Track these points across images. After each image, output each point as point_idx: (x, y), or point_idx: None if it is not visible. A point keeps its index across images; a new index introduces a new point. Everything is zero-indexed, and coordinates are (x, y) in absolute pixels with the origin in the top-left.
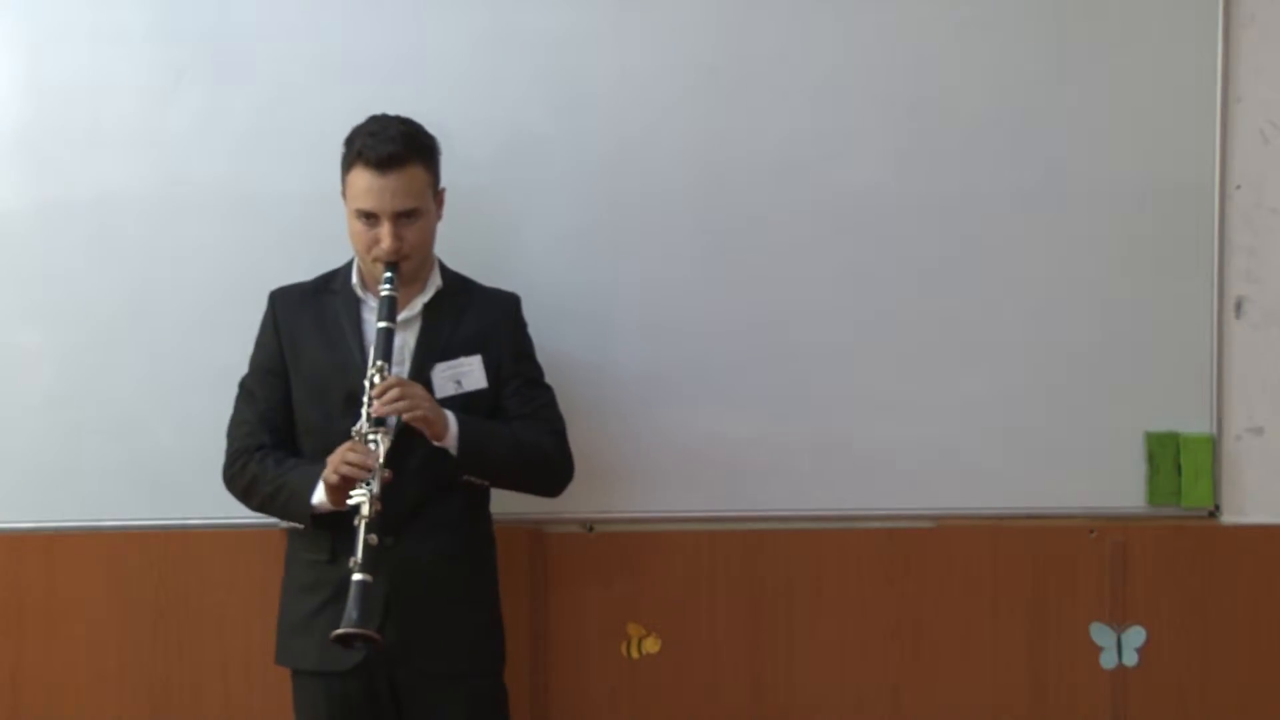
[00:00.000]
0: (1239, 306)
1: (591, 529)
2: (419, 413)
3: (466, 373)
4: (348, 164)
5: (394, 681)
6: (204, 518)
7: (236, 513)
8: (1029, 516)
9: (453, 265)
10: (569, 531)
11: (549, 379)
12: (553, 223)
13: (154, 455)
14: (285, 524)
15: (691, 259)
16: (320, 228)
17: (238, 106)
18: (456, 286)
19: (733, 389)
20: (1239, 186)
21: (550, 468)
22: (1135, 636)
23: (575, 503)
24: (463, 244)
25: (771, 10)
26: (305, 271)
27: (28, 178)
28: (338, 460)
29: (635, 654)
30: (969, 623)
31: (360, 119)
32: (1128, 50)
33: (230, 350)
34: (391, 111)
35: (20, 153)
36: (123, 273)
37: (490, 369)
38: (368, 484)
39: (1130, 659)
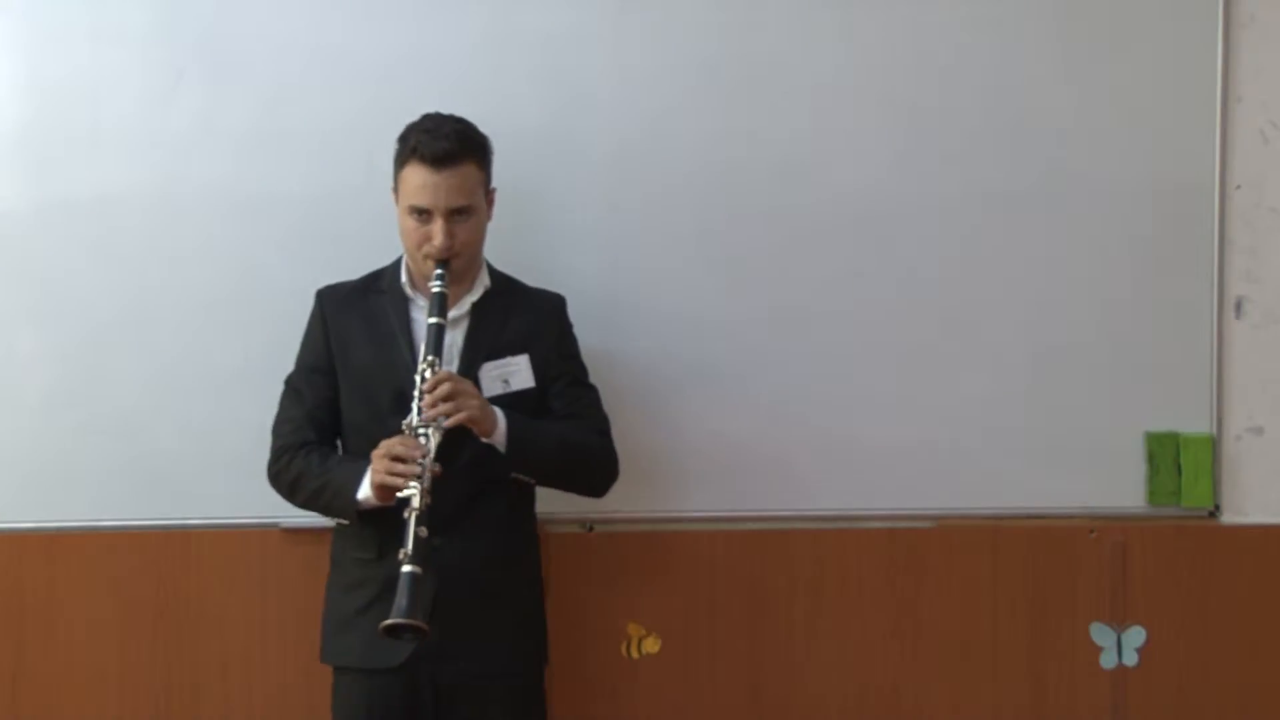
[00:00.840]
0: (1239, 306)
1: (591, 529)
2: (464, 415)
3: (514, 372)
4: (401, 160)
5: (436, 681)
6: (204, 518)
7: (236, 513)
8: (1029, 516)
9: None
10: (569, 531)
11: None
12: (552, 223)
13: (154, 455)
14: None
15: (691, 259)
16: (320, 228)
17: (238, 107)
18: (504, 286)
19: (733, 389)
20: (1239, 186)
21: (596, 466)
22: (1135, 636)
23: (575, 503)
24: None
25: (771, 10)
26: (305, 271)
27: (28, 178)
28: (385, 456)
29: (635, 654)
30: (969, 623)
31: (360, 119)
32: (1128, 50)
33: (231, 350)
34: (389, 111)
35: (20, 153)
36: (123, 273)
37: (536, 368)
38: (418, 478)
39: (1130, 659)
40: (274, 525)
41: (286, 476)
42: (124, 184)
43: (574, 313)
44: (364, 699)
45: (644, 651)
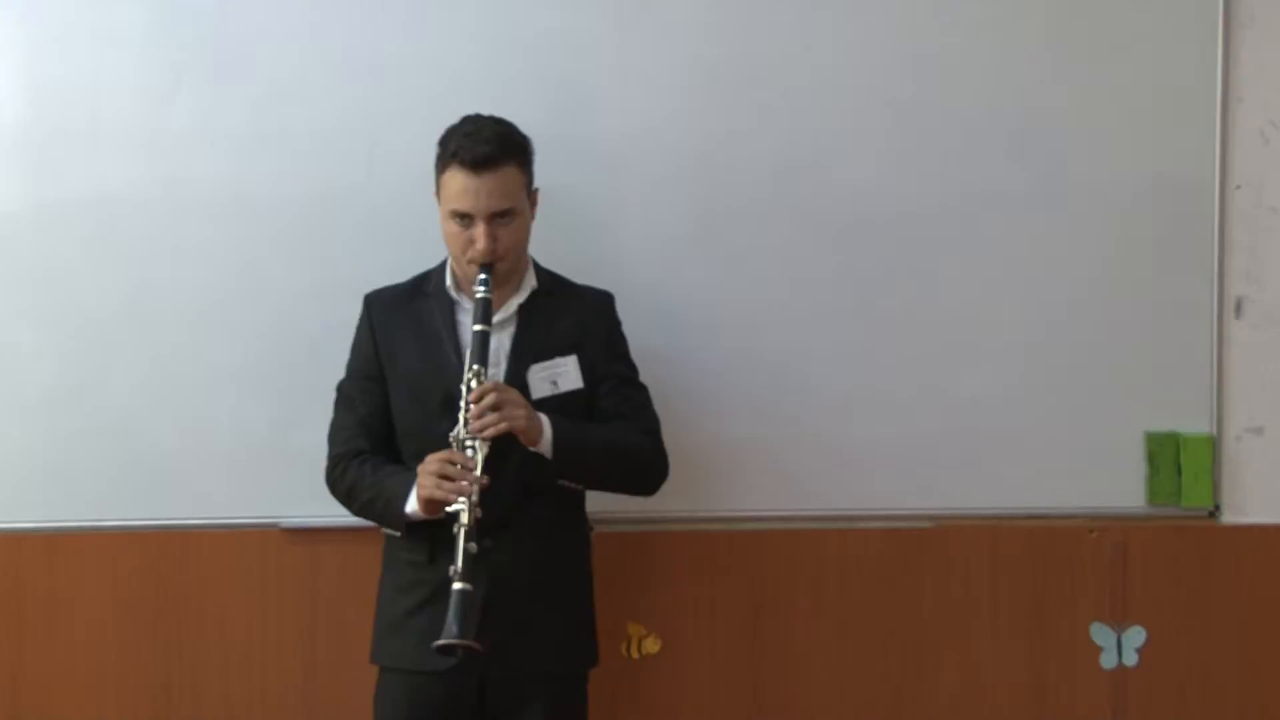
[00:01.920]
0: (1239, 306)
1: (591, 529)
2: (507, 426)
3: (563, 373)
4: (442, 165)
5: (484, 682)
6: (204, 518)
7: (236, 513)
8: (1029, 516)
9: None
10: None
11: None
12: (552, 223)
13: (154, 455)
14: (274, 526)
15: (690, 259)
16: (320, 227)
17: (237, 106)
18: (551, 286)
19: (732, 389)
20: (1239, 186)
21: (645, 468)
22: (1135, 636)
23: None
24: None
25: (771, 10)
26: (305, 271)
27: (28, 178)
28: (434, 473)
29: (635, 654)
30: (969, 623)
31: (360, 118)
32: (1128, 50)
33: (230, 350)
34: (389, 111)
35: (20, 153)
36: (122, 273)
37: (585, 368)
38: (467, 493)
39: (1130, 659)
40: (274, 525)
41: (342, 486)
42: (124, 184)
43: None
44: (406, 699)
45: (644, 651)
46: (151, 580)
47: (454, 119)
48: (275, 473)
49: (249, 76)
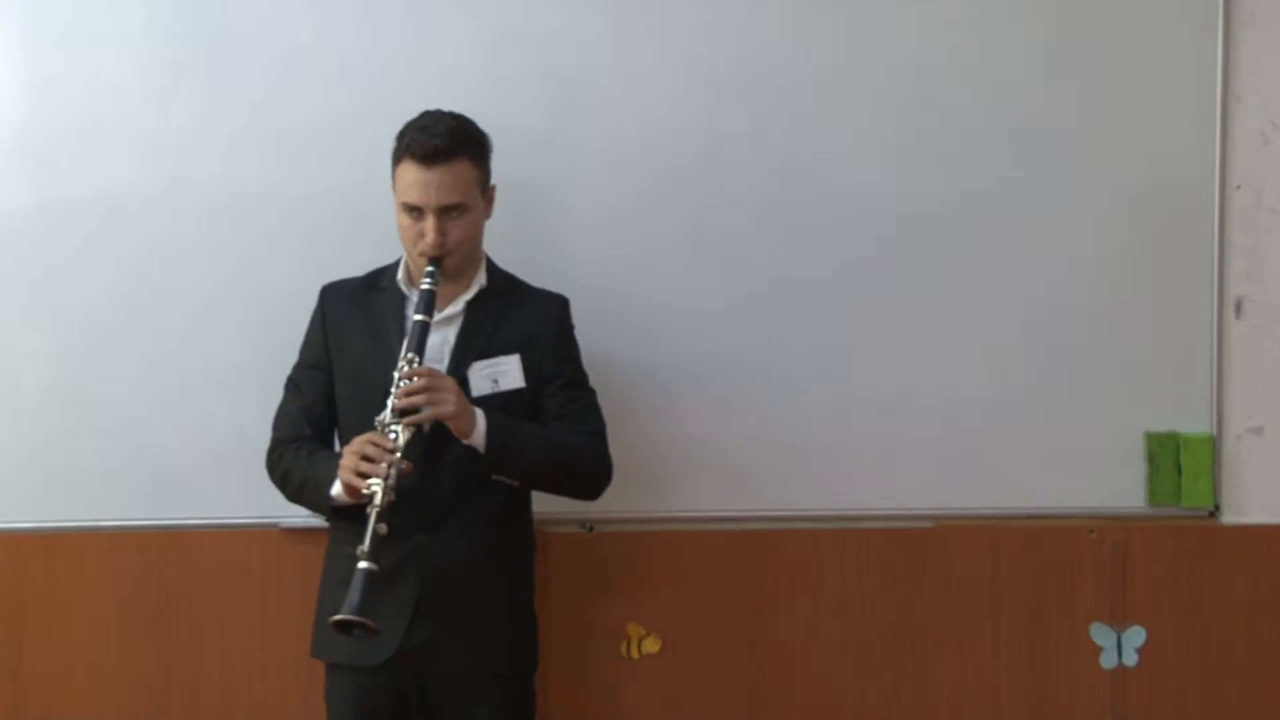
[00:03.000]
0: (1239, 306)
1: (591, 529)
2: (437, 410)
3: (504, 372)
4: (396, 158)
5: (423, 680)
6: (204, 518)
7: (236, 513)
8: (1029, 516)
9: None
10: (569, 531)
11: None
12: (550, 222)
13: (154, 455)
14: (316, 518)
15: (690, 258)
16: (320, 227)
17: (237, 106)
18: (503, 286)
19: (732, 389)
20: (1239, 186)
21: (585, 470)
22: (1135, 636)
23: (575, 503)
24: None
25: (771, 10)
26: (304, 271)
27: (28, 178)
28: (353, 453)
29: (635, 654)
30: (969, 623)
31: (359, 118)
32: (1128, 50)
33: (230, 350)
34: (389, 111)
35: (20, 153)
36: (122, 272)
37: (530, 369)
38: (385, 475)
39: (1130, 659)
40: (274, 525)
41: (279, 470)
42: (124, 183)
43: (573, 312)
44: (352, 694)
45: (644, 651)
46: (151, 580)
47: None
48: None
49: (249, 76)
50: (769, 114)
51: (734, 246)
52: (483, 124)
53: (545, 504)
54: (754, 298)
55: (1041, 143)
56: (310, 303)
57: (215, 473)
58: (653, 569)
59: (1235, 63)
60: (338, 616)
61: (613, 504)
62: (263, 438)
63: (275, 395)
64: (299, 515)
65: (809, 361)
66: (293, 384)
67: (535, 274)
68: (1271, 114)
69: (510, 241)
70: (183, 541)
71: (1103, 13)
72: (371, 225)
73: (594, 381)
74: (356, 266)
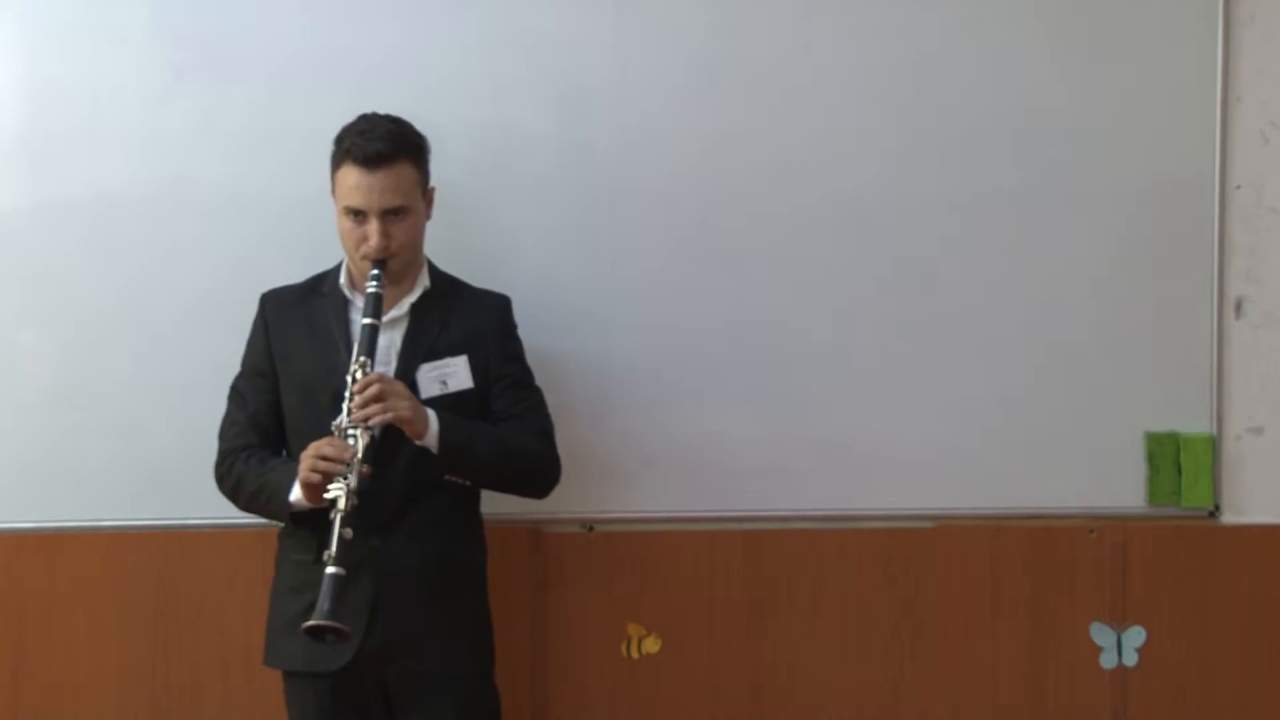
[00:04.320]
0: (1239, 306)
1: (591, 529)
2: (391, 415)
3: (452, 373)
4: (336, 162)
5: (383, 683)
6: (204, 518)
7: (236, 513)
8: (1029, 516)
9: (450, 264)
10: (569, 531)
11: (547, 378)
12: (552, 223)
13: (153, 455)
14: (274, 524)
15: (691, 259)
16: (319, 227)
17: (236, 106)
18: (445, 287)
19: (732, 389)
20: (1239, 186)
21: (535, 469)
22: (1135, 636)
23: (575, 503)
24: (461, 243)
25: (771, 10)
26: (303, 272)
27: (27, 178)
28: (312, 455)
29: (635, 654)
30: (969, 623)
31: None
32: (1128, 50)
33: (229, 349)
34: (390, 111)
35: (20, 153)
36: (121, 272)
37: (477, 370)
38: (345, 478)
39: (1130, 659)
40: (273, 525)
41: (229, 480)
42: (123, 184)
43: (572, 311)
44: (314, 701)
45: (644, 651)
46: (151, 580)
47: (453, 118)
48: None
49: (249, 76)
50: (769, 114)
51: (733, 246)
52: (483, 124)
53: (544, 504)
54: (754, 298)
55: (1041, 143)
56: None
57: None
58: (653, 569)
59: (1235, 63)
60: (311, 622)
61: (613, 504)
62: None
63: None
64: None
65: (809, 361)
66: (236, 394)
67: (535, 272)
68: (1271, 114)
69: (511, 240)
70: (183, 541)
71: (1103, 13)
72: None
73: (593, 381)
74: None
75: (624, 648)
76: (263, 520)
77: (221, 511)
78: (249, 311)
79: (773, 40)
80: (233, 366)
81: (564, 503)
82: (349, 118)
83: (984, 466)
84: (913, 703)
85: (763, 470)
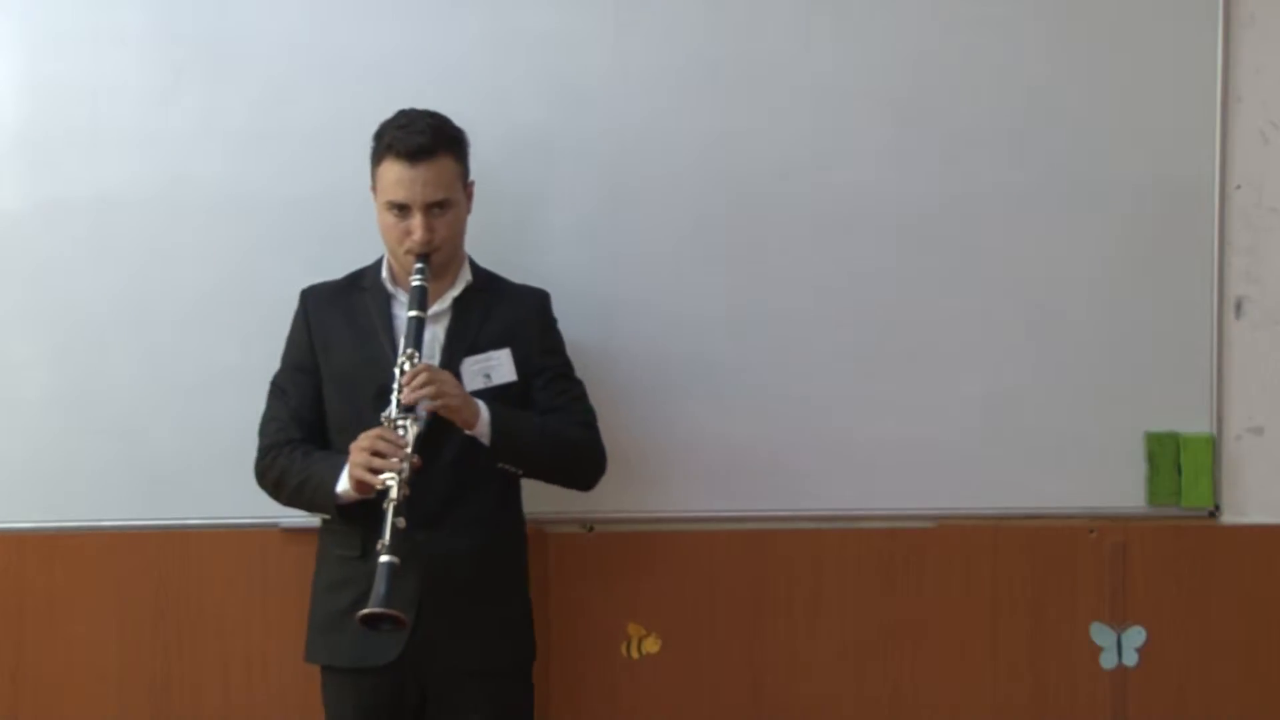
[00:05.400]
0: (1239, 306)
1: (591, 529)
2: (443, 401)
3: (495, 366)
4: (377, 157)
5: (422, 679)
6: (204, 518)
7: (236, 513)
8: (1029, 516)
9: None
10: (569, 531)
11: None
12: (551, 222)
13: (153, 455)
14: (273, 525)
15: (691, 259)
16: (319, 227)
17: (237, 106)
18: (486, 282)
19: (732, 389)
20: (1239, 186)
21: (581, 459)
22: (1135, 636)
23: (575, 503)
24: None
25: (771, 10)
26: (303, 271)
27: (27, 178)
28: (366, 445)
29: (635, 654)
30: (969, 623)
31: (359, 118)
32: (1128, 50)
33: (229, 349)
34: (389, 111)
35: (20, 153)
36: (122, 272)
37: (519, 363)
38: (397, 470)
39: (1130, 659)
40: (274, 525)
41: (271, 474)
42: (123, 184)
43: (573, 311)
44: (351, 697)
45: (644, 651)
46: (151, 580)
47: (453, 118)
48: None
49: (248, 76)
50: (769, 114)
51: (734, 246)
52: (483, 124)
53: (544, 504)
54: (754, 297)
55: (1041, 143)
56: None
57: (215, 473)
58: (653, 569)
59: (1235, 63)
60: (367, 610)
61: (613, 504)
62: None
63: None
64: (299, 515)
65: (809, 361)
66: (278, 389)
67: (535, 272)
68: (1271, 114)
69: (511, 240)
70: (183, 541)
71: (1103, 13)
72: (370, 225)
73: (594, 381)
74: (354, 266)
75: (624, 648)
76: (264, 521)
77: (222, 511)
78: (249, 311)
79: (773, 40)
80: (233, 366)
81: (564, 503)
82: (349, 118)
83: (984, 466)
84: (913, 703)
85: (762, 470)
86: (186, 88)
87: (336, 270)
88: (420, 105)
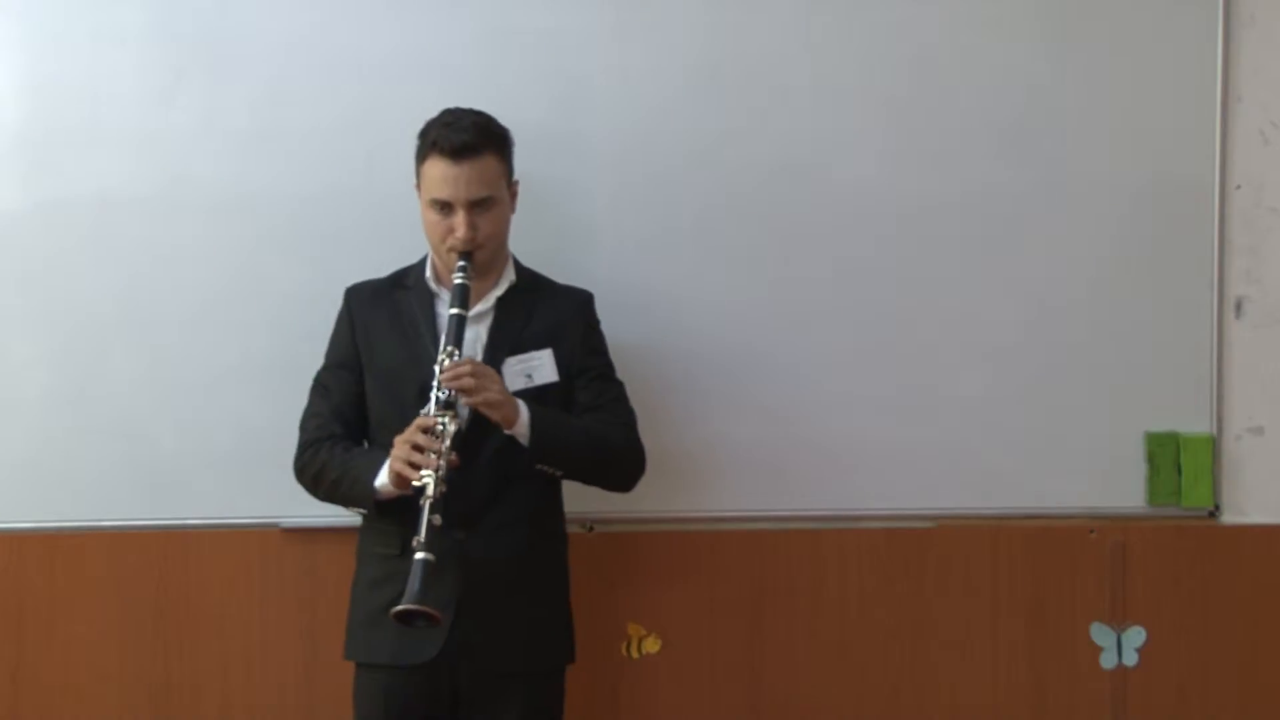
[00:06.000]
0: (1239, 306)
1: (591, 529)
2: (484, 396)
3: (537, 366)
4: (422, 155)
5: (458, 680)
6: (204, 518)
7: (236, 513)
8: (1029, 516)
9: None
10: (569, 531)
11: None
12: (551, 222)
13: (153, 455)
14: (274, 526)
15: (690, 258)
16: (319, 227)
17: (236, 106)
18: (530, 282)
19: (732, 389)
20: (1239, 186)
21: (621, 460)
22: (1135, 636)
23: (575, 503)
24: None
25: (771, 10)
26: (304, 271)
27: (28, 178)
28: (404, 440)
29: (635, 654)
30: (969, 623)
31: (359, 118)
32: (1128, 50)
33: (230, 349)
34: (389, 110)
35: (20, 153)
36: (122, 272)
37: (561, 364)
38: (435, 466)
39: (1130, 659)
40: (274, 525)
41: (311, 470)
42: (123, 183)
43: None
44: (385, 697)
45: (644, 651)
46: (151, 580)
47: None
48: (275, 473)
49: (248, 76)
50: (769, 114)
51: (733, 246)
52: None
53: None
54: (754, 297)
55: (1041, 143)
56: (310, 302)
57: (215, 473)
58: (653, 569)
59: (1235, 63)
60: (401, 606)
61: (613, 504)
62: (263, 437)
63: (276, 394)
64: (299, 515)
65: (809, 361)
66: (320, 386)
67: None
68: (1271, 114)
69: (512, 240)
70: (183, 541)
71: (1102, 13)
72: (371, 225)
73: None
74: (355, 266)
75: (624, 648)
76: (264, 521)
77: (222, 511)
78: (249, 311)
79: (773, 40)
80: (234, 366)
81: (564, 503)
82: (349, 118)
83: (984, 466)
84: (913, 702)
85: (763, 470)
86: (186, 88)
87: (337, 270)
88: (420, 105)
